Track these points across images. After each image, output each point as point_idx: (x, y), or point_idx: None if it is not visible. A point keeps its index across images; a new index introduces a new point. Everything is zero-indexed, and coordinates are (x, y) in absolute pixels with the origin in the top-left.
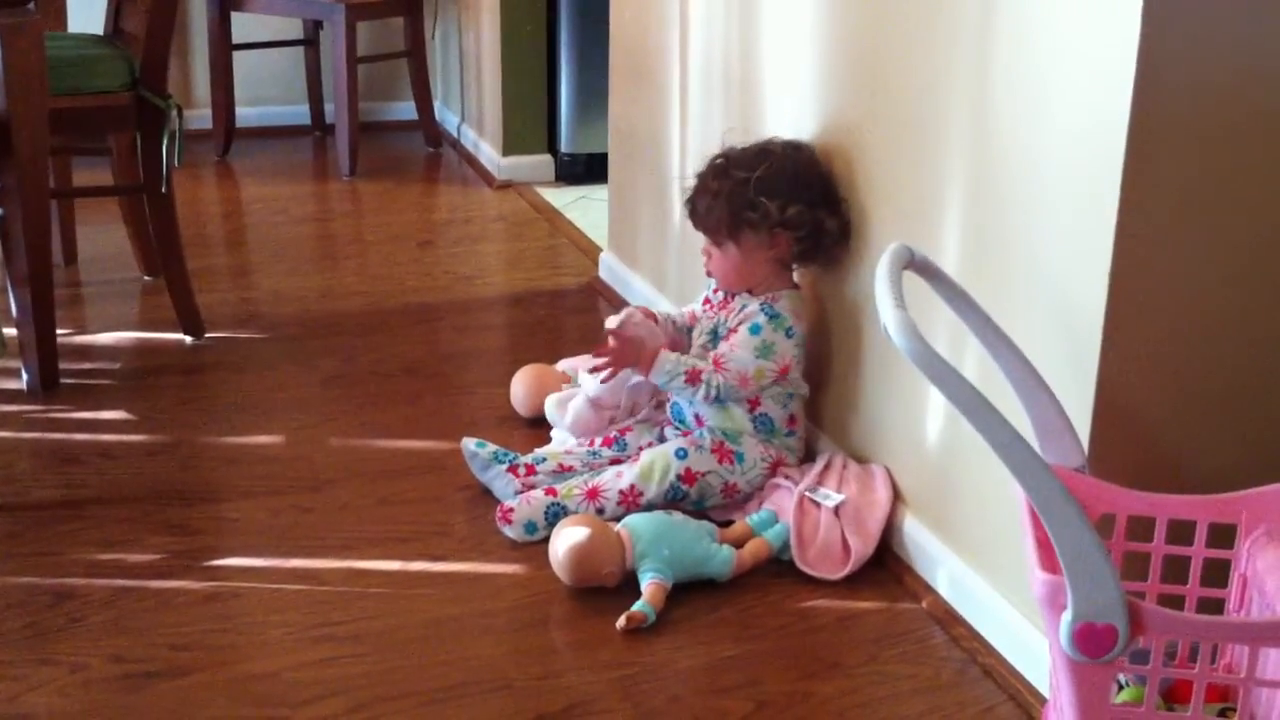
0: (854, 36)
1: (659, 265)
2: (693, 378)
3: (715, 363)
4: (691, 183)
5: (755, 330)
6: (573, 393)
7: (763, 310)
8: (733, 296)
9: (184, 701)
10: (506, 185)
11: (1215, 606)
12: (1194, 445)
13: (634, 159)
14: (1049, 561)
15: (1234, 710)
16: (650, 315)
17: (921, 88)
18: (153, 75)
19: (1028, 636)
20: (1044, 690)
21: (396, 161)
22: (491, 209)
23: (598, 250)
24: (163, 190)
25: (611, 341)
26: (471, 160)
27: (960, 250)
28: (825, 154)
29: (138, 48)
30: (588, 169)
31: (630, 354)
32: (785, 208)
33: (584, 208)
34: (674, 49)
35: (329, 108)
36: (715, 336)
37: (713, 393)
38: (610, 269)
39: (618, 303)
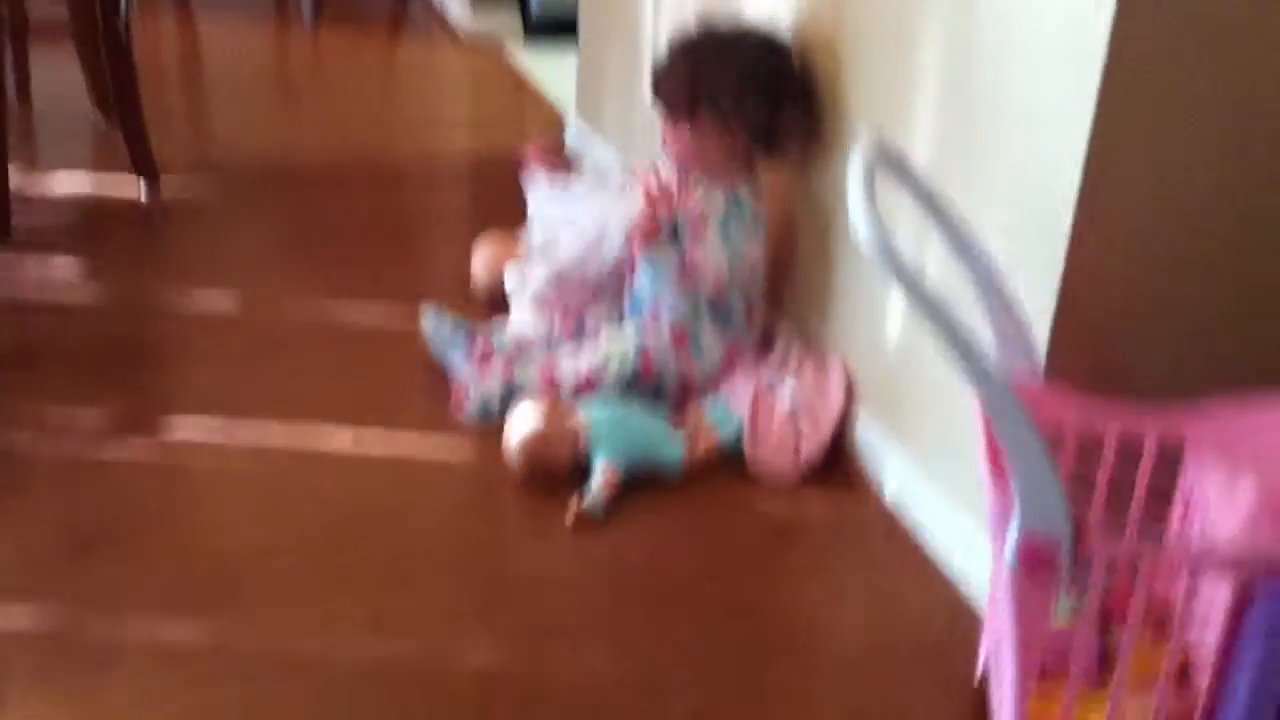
0: None
1: (626, 132)
2: (685, 277)
3: (693, 267)
4: (662, 53)
5: (723, 226)
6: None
7: (728, 203)
8: (688, 177)
9: (126, 571)
10: (474, 42)
11: (1163, 526)
12: (1152, 361)
13: (604, 24)
14: (1001, 475)
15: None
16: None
17: None
18: None
19: (975, 539)
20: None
21: (361, 12)
22: (456, 65)
23: (563, 113)
24: (120, 32)
25: (654, 191)
26: (438, 16)
27: (930, 141)
28: (801, 44)
29: None
30: (557, 30)
31: (668, 209)
32: (744, 102)
33: (552, 68)
34: None
35: None
36: (677, 228)
37: (699, 300)
38: (578, 134)
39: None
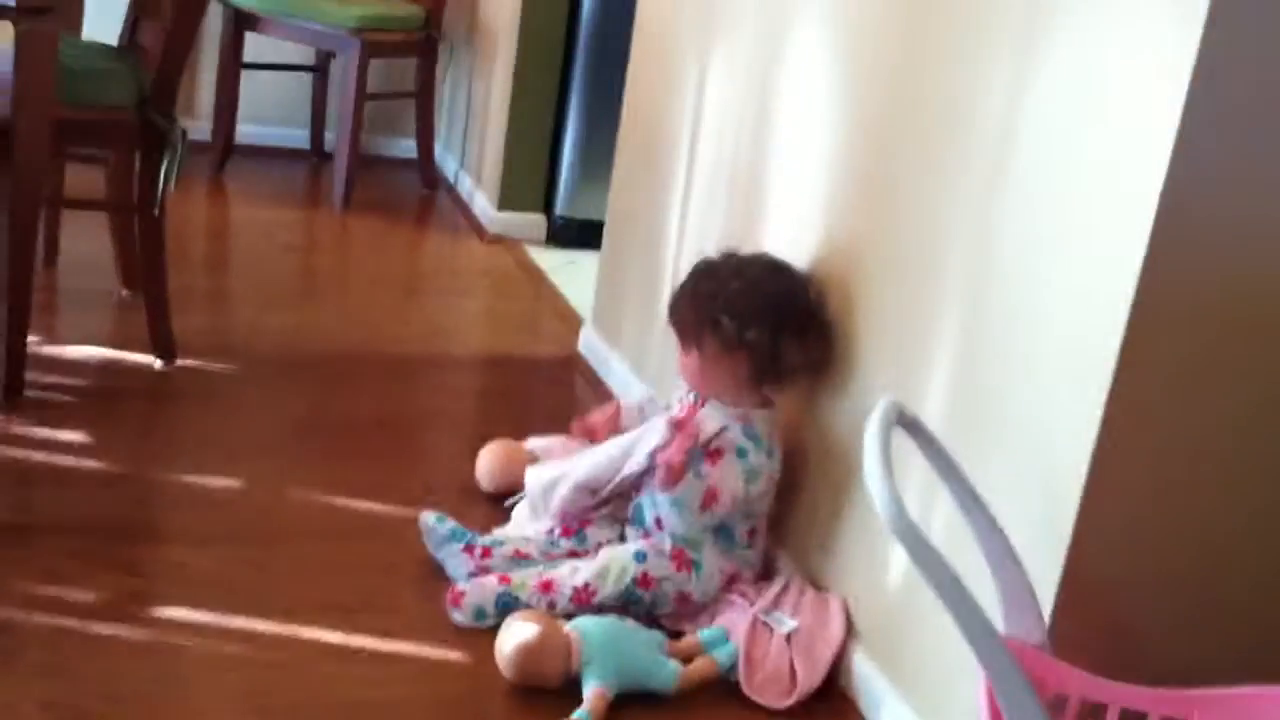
0: (863, 162)
1: (640, 348)
2: (706, 503)
3: (710, 493)
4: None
5: (742, 455)
6: (560, 472)
7: (744, 434)
8: (704, 401)
9: None
10: (497, 240)
11: None
12: (1157, 637)
13: (628, 238)
14: None
15: None
16: (607, 423)
17: (925, 226)
18: (162, 96)
19: None
20: None
21: (390, 199)
22: (479, 262)
23: (578, 319)
24: (155, 212)
25: (682, 424)
26: (465, 209)
27: (945, 399)
28: (819, 276)
29: (150, 64)
30: (580, 234)
31: (693, 442)
32: (744, 329)
33: (571, 273)
34: (685, 140)
35: (329, 135)
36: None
37: (712, 522)
38: (590, 345)
39: (594, 379)
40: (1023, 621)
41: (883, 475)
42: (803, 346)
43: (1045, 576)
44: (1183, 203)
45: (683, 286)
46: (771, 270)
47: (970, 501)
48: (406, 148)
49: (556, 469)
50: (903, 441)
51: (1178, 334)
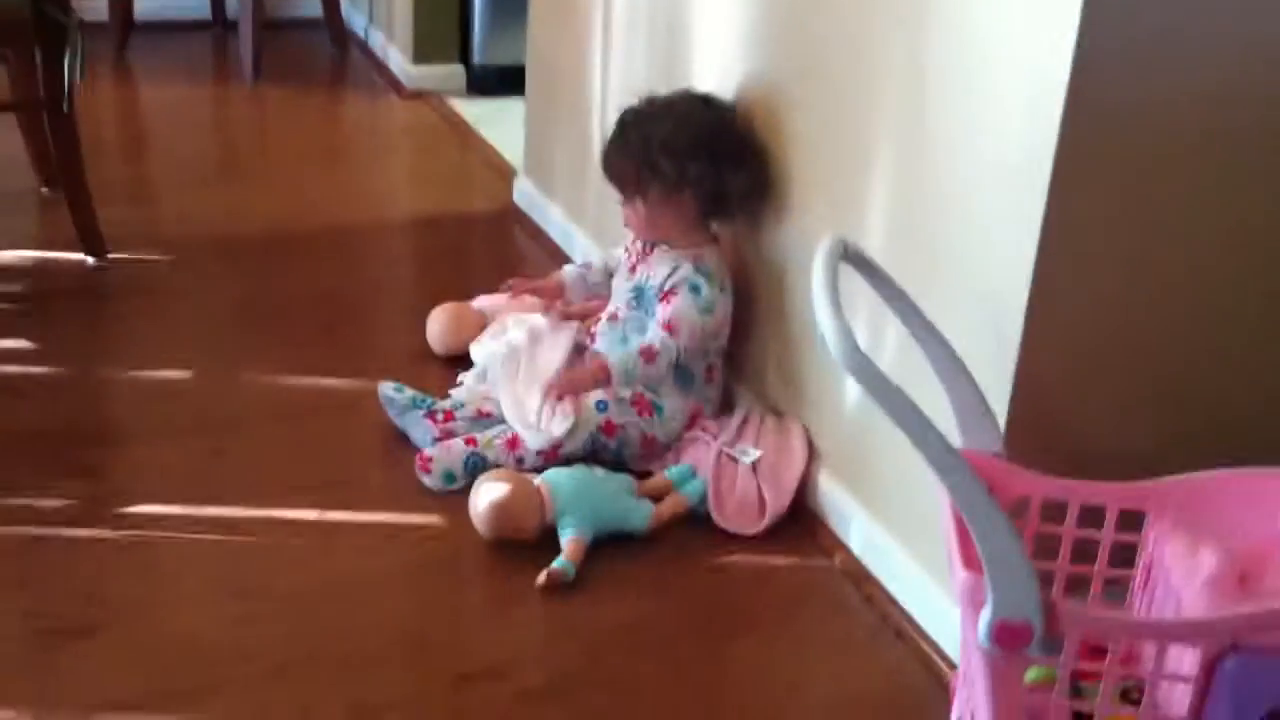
0: None
1: (576, 196)
2: (648, 355)
3: (669, 328)
4: (610, 130)
5: (696, 289)
6: (499, 346)
7: (697, 270)
8: (652, 248)
9: (100, 664)
10: (416, 95)
11: (1122, 588)
12: (1109, 434)
13: (552, 84)
14: (969, 558)
15: (1135, 688)
16: (552, 291)
17: (854, 49)
18: None
19: (939, 599)
20: (953, 655)
21: (301, 64)
22: (401, 120)
23: (511, 171)
24: (64, 108)
25: (557, 390)
26: (380, 66)
27: (885, 225)
28: (746, 108)
29: None
30: (500, 81)
31: (582, 386)
32: (685, 166)
33: (497, 122)
34: None
35: (231, 2)
36: (642, 295)
37: (674, 357)
38: (526, 195)
39: (533, 230)
40: (979, 433)
41: (832, 311)
42: (743, 172)
43: (997, 387)
44: (1106, 18)
45: (611, 139)
46: (698, 104)
47: (919, 325)
48: (311, 7)
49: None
50: (847, 273)
51: (1109, 140)
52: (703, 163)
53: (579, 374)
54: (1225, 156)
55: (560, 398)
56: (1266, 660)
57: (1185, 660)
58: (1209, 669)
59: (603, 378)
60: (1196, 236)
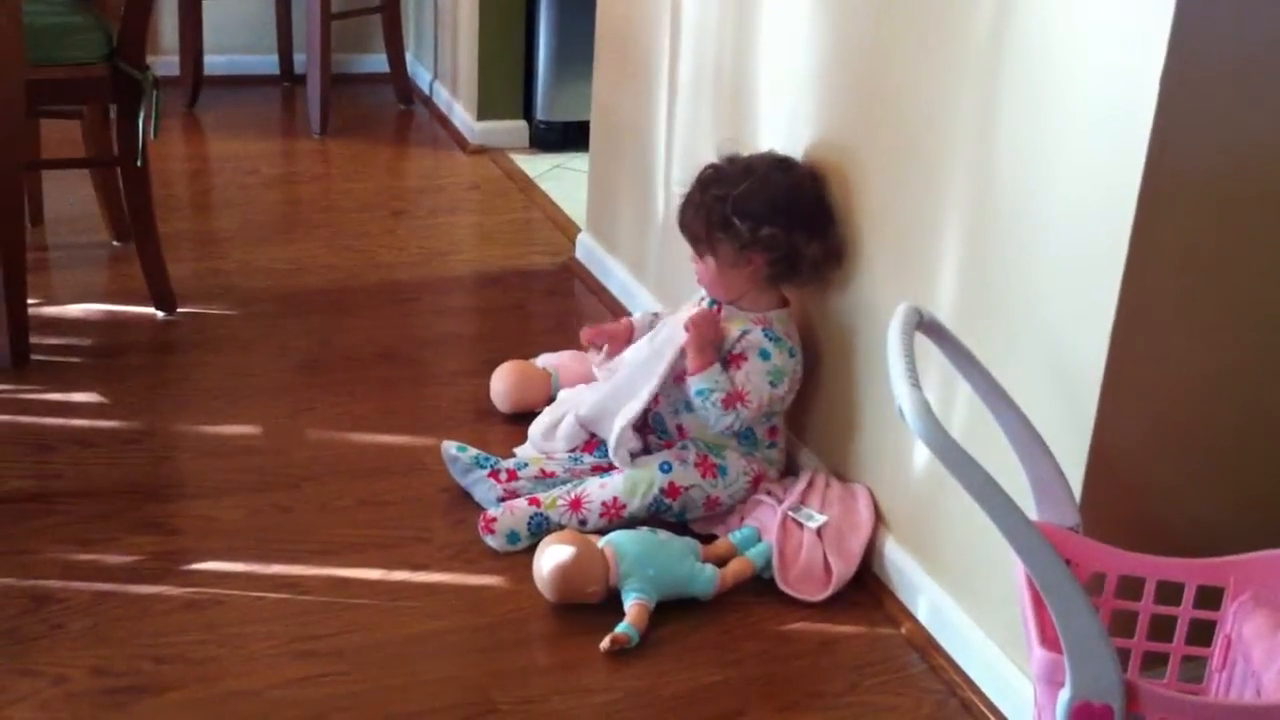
0: (855, 53)
1: (639, 252)
2: (730, 401)
3: (739, 396)
4: (684, 188)
5: (765, 357)
6: (558, 415)
7: (766, 336)
8: (721, 307)
9: (167, 714)
10: (480, 150)
11: (1198, 664)
12: (1186, 508)
13: (616, 140)
14: (1047, 635)
15: None
16: (622, 335)
17: (924, 115)
18: (131, 46)
19: (1007, 672)
20: None
21: (367, 118)
22: (465, 176)
23: (573, 226)
24: (138, 163)
25: (696, 316)
26: (444, 121)
27: (957, 292)
28: (821, 172)
29: (114, 14)
30: (564, 137)
31: (712, 334)
32: (758, 229)
33: (559, 177)
34: (664, 37)
35: (299, 57)
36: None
37: (739, 425)
38: (588, 251)
39: (595, 286)
40: (1055, 507)
41: (910, 383)
42: (817, 239)
43: (1072, 461)
44: (1182, 95)
45: (689, 195)
46: (777, 166)
47: (995, 396)
48: (377, 63)
49: (593, 395)
50: (918, 340)
51: (1186, 216)
52: (776, 226)
53: (712, 320)
54: None
55: (694, 335)
56: None
57: None
58: None
59: (713, 354)
60: (1273, 309)
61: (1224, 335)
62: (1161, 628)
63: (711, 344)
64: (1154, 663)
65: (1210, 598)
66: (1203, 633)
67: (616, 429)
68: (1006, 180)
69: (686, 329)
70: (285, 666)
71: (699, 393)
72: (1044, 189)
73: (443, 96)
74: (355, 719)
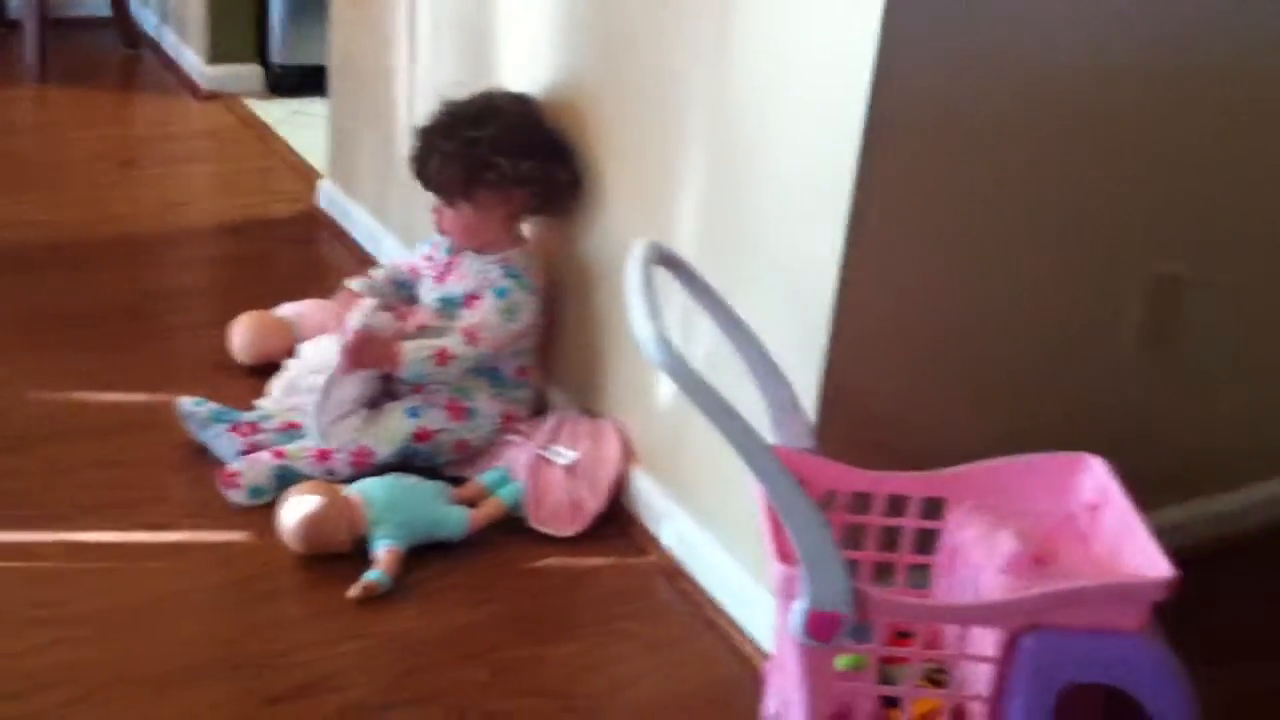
0: None
1: (382, 197)
2: (442, 359)
3: (469, 334)
4: (415, 138)
5: (501, 294)
6: (301, 370)
7: (506, 274)
8: (458, 256)
9: None
10: (213, 96)
11: (926, 573)
12: (917, 428)
13: (356, 84)
14: (784, 551)
15: (943, 671)
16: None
17: (662, 54)
18: None
19: (751, 592)
20: (765, 644)
21: (90, 64)
22: (198, 123)
23: (314, 173)
24: None
25: (352, 340)
26: (173, 66)
27: (696, 226)
28: (553, 108)
29: None
30: (302, 81)
31: (374, 355)
32: (519, 164)
33: (297, 123)
34: None
35: (13, 1)
36: (449, 303)
37: (467, 365)
38: (330, 197)
39: (337, 233)
40: (791, 430)
41: (647, 316)
42: (565, 166)
43: (807, 384)
44: (904, 23)
45: (426, 147)
46: (516, 101)
47: (733, 326)
48: (99, 5)
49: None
50: (659, 274)
51: (911, 140)
52: (533, 159)
53: (375, 343)
54: (1030, 153)
55: (350, 360)
56: (1062, 637)
57: (987, 641)
58: (1009, 648)
59: (392, 366)
60: (1004, 235)
61: (955, 260)
62: (893, 540)
63: (384, 351)
64: (887, 573)
65: (935, 510)
66: (930, 542)
67: (311, 406)
68: (740, 115)
69: (347, 343)
70: (21, 635)
71: (412, 378)
72: (775, 121)
73: (170, 40)
74: (94, 684)
